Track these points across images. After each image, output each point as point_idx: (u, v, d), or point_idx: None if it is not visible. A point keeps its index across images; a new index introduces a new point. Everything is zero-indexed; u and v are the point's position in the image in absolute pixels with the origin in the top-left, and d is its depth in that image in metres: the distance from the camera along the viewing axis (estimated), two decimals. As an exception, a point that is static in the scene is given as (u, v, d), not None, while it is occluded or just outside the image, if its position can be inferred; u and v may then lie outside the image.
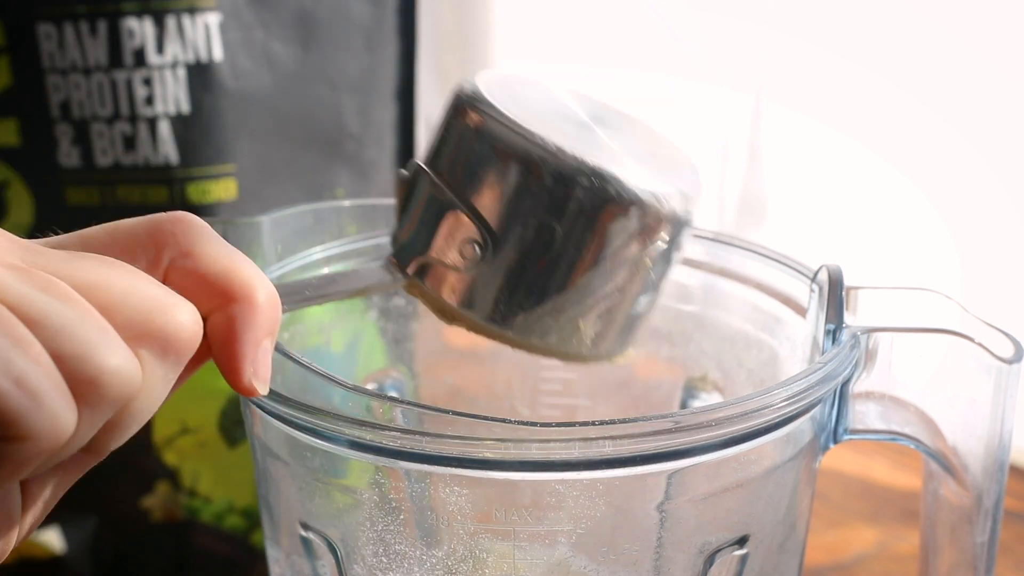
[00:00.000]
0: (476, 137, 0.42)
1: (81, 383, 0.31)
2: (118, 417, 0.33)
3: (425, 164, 0.44)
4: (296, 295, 0.41)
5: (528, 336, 0.43)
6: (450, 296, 0.43)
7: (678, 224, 0.43)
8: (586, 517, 0.43)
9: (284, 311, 0.38)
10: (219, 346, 0.36)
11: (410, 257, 0.44)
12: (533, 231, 0.42)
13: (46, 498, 0.35)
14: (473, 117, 0.42)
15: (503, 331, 0.43)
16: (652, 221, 0.42)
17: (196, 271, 0.35)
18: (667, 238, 0.43)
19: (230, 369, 0.36)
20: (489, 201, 0.42)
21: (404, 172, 0.45)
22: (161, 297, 0.33)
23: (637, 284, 0.44)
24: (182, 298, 0.34)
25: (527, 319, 0.43)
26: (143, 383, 0.33)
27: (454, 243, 0.43)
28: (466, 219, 0.42)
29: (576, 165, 0.41)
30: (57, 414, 0.30)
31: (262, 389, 0.36)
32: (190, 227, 0.36)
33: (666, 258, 0.44)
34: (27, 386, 0.30)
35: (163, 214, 0.36)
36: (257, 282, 0.36)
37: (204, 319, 0.36)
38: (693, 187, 0.44)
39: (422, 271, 0.44)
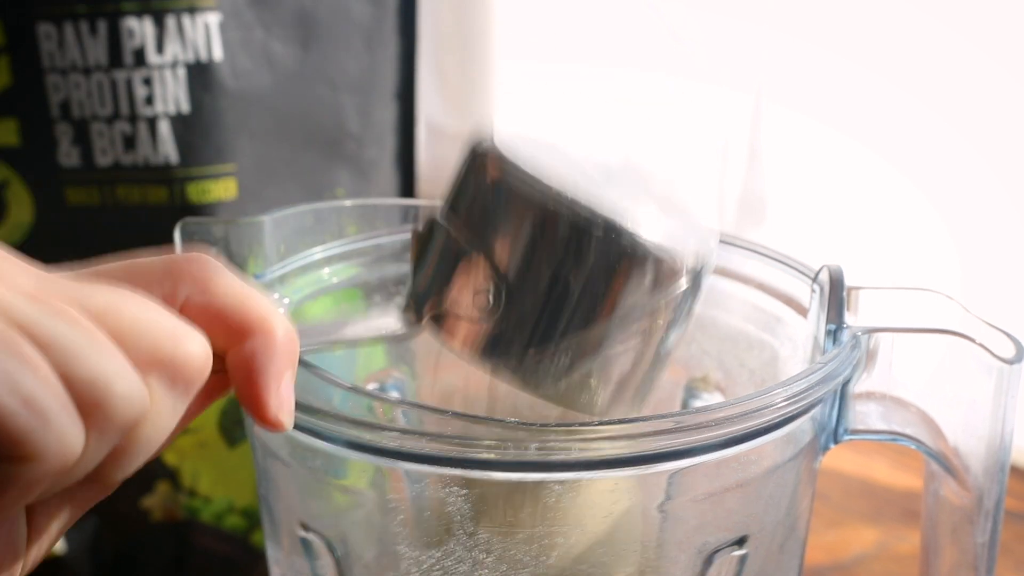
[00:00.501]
0: (492, 190, 0.43)
1: (89, 406, 0.31)
2: (125, 444, 0.33)
3: (440, 217, 0.44)
4: (308, 339, 0.41)
5: (538, 390, 0.44)
6: (463, 347, 0.44)
7: (691, 280, 0.44)
8: (584, 517, 0.43)
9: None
10: (242, 381, 0.36)
11: (424, 307, 0.44)
12: (547, 282, 0.42)
13: (51, 531, 0.35)
14: (490, 172, 0.43)
15: (514, 383, 0.44)
16: (665, 275, 0.43)
17: (213, 306, 0.36)
18: (679, 294, 0.44)
19: (255, 404, 0.36)
20: (504, 252, 0.43)
21: (418, 226, 0.45)
22: (171, 326, 0.33)
23: (649, 343, 0.44)
24: (193, 328, 0.34)
25: (538, 373, 0.43)
26: (151, 411, 0.33)
27: (468, 292, 0.43)
28: (481, 268, 0.43)
29: (590, 217, 0.42)
30: (65, 434, 0.30)
31: (288, 422, 0.37)
32: (207, 264, 0.36)
33: (678, 317, 0.44)
34: (35, 406, 0.30)
35: (180, 253, 0.37)
36: (275, 316, 0.36)
37: (222, 355, 0.36)
38: (706, 245, 0.45)
39: (436, 321, 0.44)
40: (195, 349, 0.34)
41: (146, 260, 0.36)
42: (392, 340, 0.45)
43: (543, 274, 0.42)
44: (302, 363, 0.43)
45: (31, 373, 0.30)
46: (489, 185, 0.43)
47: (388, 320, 0.45)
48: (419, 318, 0.44)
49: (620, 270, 0.42)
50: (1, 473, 0.30)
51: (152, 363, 0.33)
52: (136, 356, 0.32)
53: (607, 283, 0.42)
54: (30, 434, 0.30)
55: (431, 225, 0.45)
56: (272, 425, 0.36)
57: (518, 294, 0.43)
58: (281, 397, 0.36)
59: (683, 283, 0.43)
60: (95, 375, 0.31)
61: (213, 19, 0.61)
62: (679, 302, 0.44)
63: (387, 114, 0.67)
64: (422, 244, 0.45)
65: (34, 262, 0.34)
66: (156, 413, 0.33)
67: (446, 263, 0.44)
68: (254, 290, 0.37)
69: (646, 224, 0.43)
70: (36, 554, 0.35)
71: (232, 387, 0.37)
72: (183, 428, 0.36)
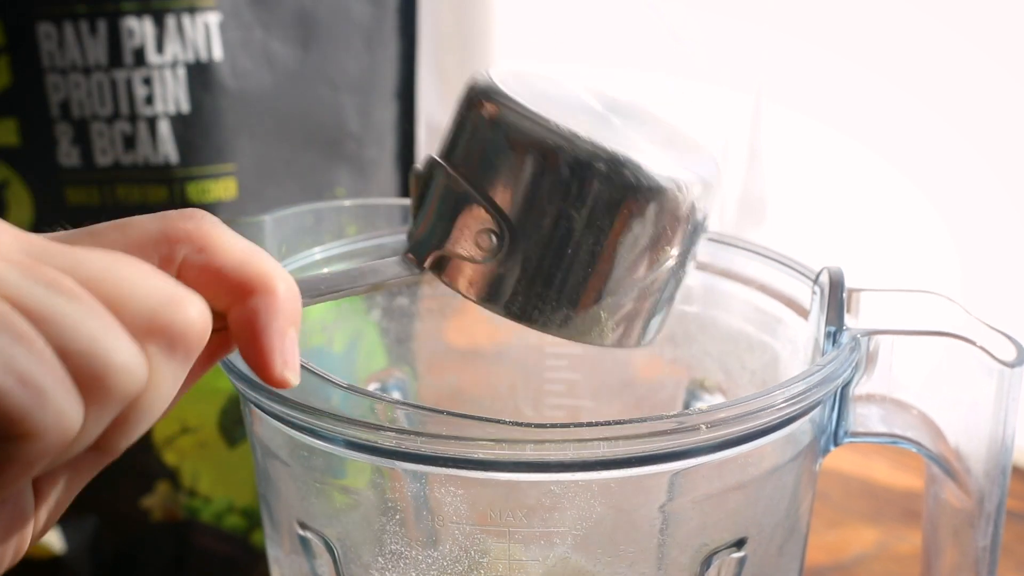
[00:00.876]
0: (491, 127, 0.42)
1: (86, 380, 0.31)
2: (126, 414, 0.32)
3: (440, 157, 0.44)
4: (311, 291, 0.41)
5: (547, 327, 0.43)
6: (468, 289, 0.43)
7: (699, 211, 0.43)
8: (582, 518, 0.43)
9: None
10: (245, 340, 0.35)
11: (427, 250, 0.43)
12: (551, 220, 0.42)
13: (59, 495, 0.35)
14: (488, 107, 0.42)
15: (521, 322, 0.43)
16: (672, 207, 0.42)
17: (212, 266, 0.35)
18: (688, 225, 0.43)
19: (260, 362, 0.35)
20: (506, 191, 0.42)
21: (418, 168, 0.44)
22: (169, 291, 0.33)
23: (659, 273, 0.43)
24: (191, 291, 0.33)
25: (546, 311, 0.43)
26: (151, 379, 0.32)
27: (471, 234, 0.42)
28: (482, 210, 0.42)
29: (593, 151, 0.41)
30: (63, 411, 0.30)
31: (293, 379, 0.36)
32: (203, 222, 0.35)
33: (687, 246, 0.44)
34: (31, 383, 0.29)
35: (174, 211, 0.36)
36: (276, 272, 0.36)
37: (223, 314, 0.35)
38: (712, 175, 0.44)
39: (439, 264, 0.43)
40: (194, 314, 0.33)
41: (140, 220, 0.35)
42: (395, 285, 0.44)
43: (547, 211, 0.42)
44: (300, 364, 0.43)
45: (25, 349, 0.30)
46: (487, 121, 0.42)
47: (391, 265, 0.44)
48: (422, 262, 0.44)
49: (625, 204, 0.41)
50: (1, 451, 0.30)
51: (150, 330, 0.32)
52: (133, 324, 0.32)
53: (612, 217, 0.41)
54: (28, 412, 0.29)
55: (431, 165, 0.44)
56: (278, 383, 0.36)
57: (522, 233, 0.42)
58: (286, 355, 0.36)
59: (690, 213, 0.43)
60: (92, 347, 0.31)
61: (213, 19, 0.60)
62: (687, 233, 0.43)
63: (387, 114, 0.67)
64: (422, 185, 0.44)
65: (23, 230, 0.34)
66: (156, 381, 0.32)
67: (447, 205, 0.43)
68: (253, 247, 0.36)
69: (650, 155, 0.42)
70: (46, 518, 0.35)
71: (234, 346, 0.36)
72: (187, 391, 0.36)
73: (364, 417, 0.41)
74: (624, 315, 0.43)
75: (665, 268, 0.43)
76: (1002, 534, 0.46)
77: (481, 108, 0.42)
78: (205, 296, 0.34)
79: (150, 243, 0.35)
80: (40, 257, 0.32)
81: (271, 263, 0.36)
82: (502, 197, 0.42)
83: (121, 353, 0.31)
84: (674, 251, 0.43)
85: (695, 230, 0.43)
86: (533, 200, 0.42)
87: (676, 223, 0.42)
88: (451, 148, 0.43)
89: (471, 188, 0.42)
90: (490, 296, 0.43)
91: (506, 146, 0.42)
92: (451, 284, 0.43)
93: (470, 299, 0.43)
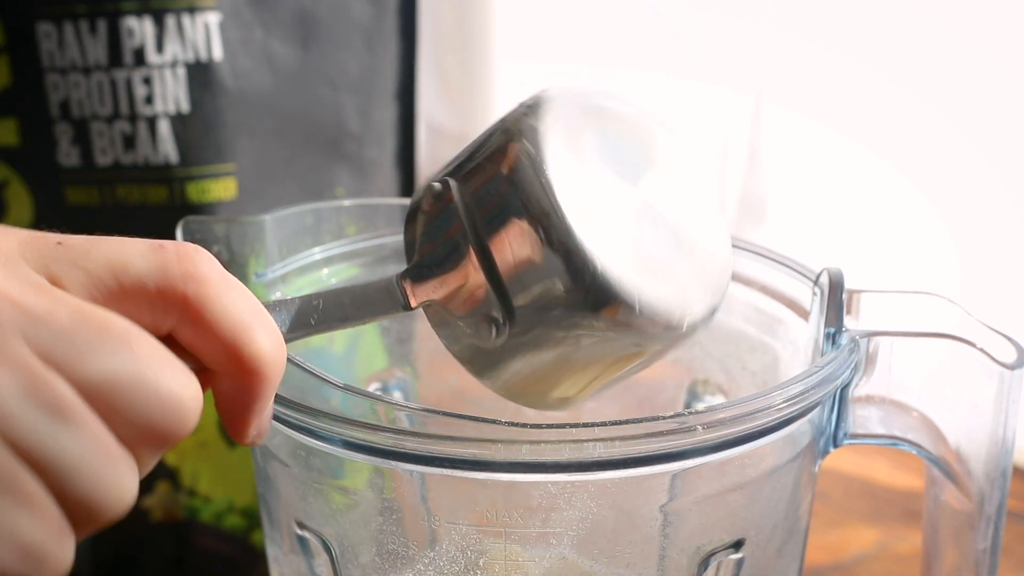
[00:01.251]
0: (507, 183, 0.39)
1: (82, 518, 0.31)
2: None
3: (456, 182, 0.41)
4: (301, 325, 0.41)
5: (512, 398, 0.44)
6: (450, 344, 0.43)
7: (680, 336, 0.42)
8: (580, 519, 0.43)
9: (289, 340, 0.39)
10: (227, 409, 0.36)
11: (423, 287, 0.42)
12: (545, 329, 0.41)
13: None
14: (510, 156, 0.39)
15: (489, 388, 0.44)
16: (646, 331, 0.41)
17: (205, 335, 0.35)
18: (665, 346, 0.42)
19: (235, 429, 0.37)
20: (509, 263, 0.40)
21: (436, 186, 0.41)
22: (166, 395, 0.32)
23: (625, 371, 0.44)
24: (189, 386, 0.33)
25: (514, 389, 0.43)
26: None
27: (473, 312, 0.41)
28: (489, 291, 0.41)
29: (585, 259, 0.39)
30: (60, 561, 0.30)
31: (260, 442, 0.38)
32: (200, 285, 0.34)
33: (660, 356, 0.44)
34: (34, 554, 0.30)
35: (173, 260, 0.34)
36: (267, 355, 0.35)
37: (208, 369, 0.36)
38: (715, 295, 0.43)
39: (430, 308, 0.43)
40: (191, 416, 0.33)
41: (138, 270, 0.34)
42: (385, 318, 0.44)
43: (546, 317, 0.40)
44: (298, 365, 0.43)
45: (28, 512, 0.30)
46: (506, 177, 0.39)
47: (382, 297, 0.42)
48: (415, 297, 0.42)
49: (607, 314, 0.40)
50: None
51: (144, 437, 0.32)
52: (129, 430, 0.32)
53: (594, 326, 0.40)
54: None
55: (446, 198, 0.41)
56: (243, 444, 0.37)
57: (519, 331, 0.41)
58: (261, 427, 0.37)
59: (668, 338, 0.42)
60: (91, 491, 0.31)
61: (213, 19, 0.60)
62: (660, 349, 0.43)
63: (387, 114, 0.67)
64: (432, 213, 0.42)
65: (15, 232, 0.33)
66: (140, 473, 0.33)
67: (454, 259, 0.41)
68: (251, 314, 0.35)
69: (653, 290, 0.41)
70: None
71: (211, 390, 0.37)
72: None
73: (363, 417, 0.41)
74: (588, 395, 0.44)
75: (630, 370, 0.44)
76: (1002, 536, 0.46)
77: (507, 153, 0.39)
78: (197, 353, 0.35)
79: (145, 300, 0.34)
80: (39, 341, 0.31)
81: (264, 341, 0.35)
82: (510, 282, 0.40)
83: (118, 487, 0.31)
84: (643, 360, 0.43)
85: (671, 347, 0.43)
86: (541, 306, 0.40)
87: (649, 341, 0.41)
88: (467, 173, 0.41)
89: (484, 274, 0.41)
90: (468, 360, 0.43)
91: (518, 213, 0.39)
92: (435, 329, 0.43)
93: (451, 352, 0.44)
